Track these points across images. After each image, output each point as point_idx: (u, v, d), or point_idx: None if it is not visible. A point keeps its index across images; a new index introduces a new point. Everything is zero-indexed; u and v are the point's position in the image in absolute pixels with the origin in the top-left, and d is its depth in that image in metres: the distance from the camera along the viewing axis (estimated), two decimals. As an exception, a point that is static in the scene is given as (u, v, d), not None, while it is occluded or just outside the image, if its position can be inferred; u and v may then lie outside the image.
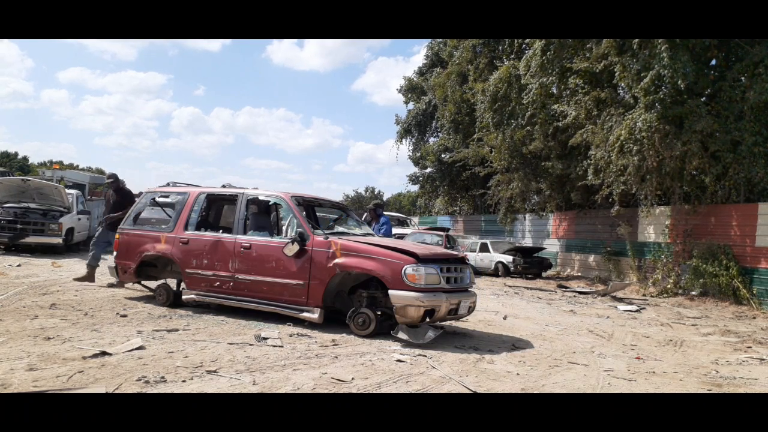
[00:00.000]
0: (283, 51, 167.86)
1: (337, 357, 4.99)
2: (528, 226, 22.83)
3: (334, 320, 6.40)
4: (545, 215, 21.22)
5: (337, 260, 6.16)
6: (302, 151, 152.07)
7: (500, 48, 21.09)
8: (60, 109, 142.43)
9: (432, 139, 30.38)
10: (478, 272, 17.82)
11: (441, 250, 7.75)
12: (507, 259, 18.30)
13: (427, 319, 5.91)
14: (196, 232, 7.20)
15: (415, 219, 31.05)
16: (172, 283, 7.67)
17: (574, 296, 13.26)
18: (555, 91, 16.85)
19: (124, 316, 6.39)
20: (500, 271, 18.36)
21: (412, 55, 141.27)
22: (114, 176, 9.53)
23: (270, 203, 7.20)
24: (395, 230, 14.90)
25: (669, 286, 13.81)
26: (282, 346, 5.28)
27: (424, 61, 31.92)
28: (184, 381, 3.96)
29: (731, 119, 12.29)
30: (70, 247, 14.27)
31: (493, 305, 10.02)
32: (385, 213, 10.99)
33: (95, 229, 9.96)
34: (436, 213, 32.04)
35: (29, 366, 4.05)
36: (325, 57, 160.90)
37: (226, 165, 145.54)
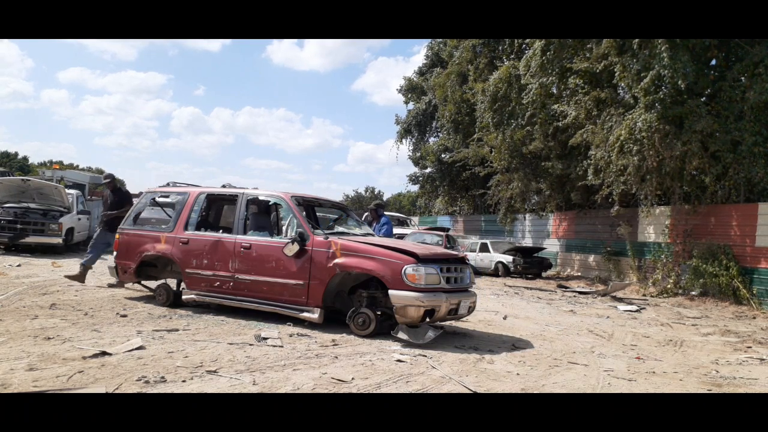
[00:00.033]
0: (283, 51, 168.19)
1: (337, 357, 4.99)
2: (528, 226, 22.83)
3: (334, 320, 6.40)
4: (545, 215, 21.21)
5: (337, 260, 6.16)
6: (302, 151, 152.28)
7: (500, 48, 21.10)
8: (60, 109, 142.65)
9: (432, 139, 30.39)
10: (478, 272, 17.82)
11: (441, 250, 7.75)
12: (507, 259, 18.30)
13: (427, 319, 5.91)
14: (196, 232, 7.20)
15: (415, 219, 31.04)
16: (172, 283, 7.67)
17: (574, 296, 13.26)
18: (555, 91, 16.85)
19: (124, 316, 6.39)
20: (500, 271, 18.36)
21: (412, 55, 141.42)
22: (110, 176, 9.54)
23: (270, 203, 7.20)
24: (395, 230, 14.90)
25: (669, 286, 13.81)
26: (282, 346, 5.28)
27: (424, 61, 31.93)
28: (184, 381, 3.96)
29: (731, 119, 12.29)
30: (70, 247, 14.28)
31: (493, 305, 10.02)
32: (385, 213, 10.99)
33: (95, 229, 9.97)
34: (436, 213, 32.03)
35: (29, 366, 4.06)
36: (325, 57, 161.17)
37: (226, 165, 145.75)
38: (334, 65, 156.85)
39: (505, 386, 4.43)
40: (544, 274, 18.72)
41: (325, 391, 3.93)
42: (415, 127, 30.08)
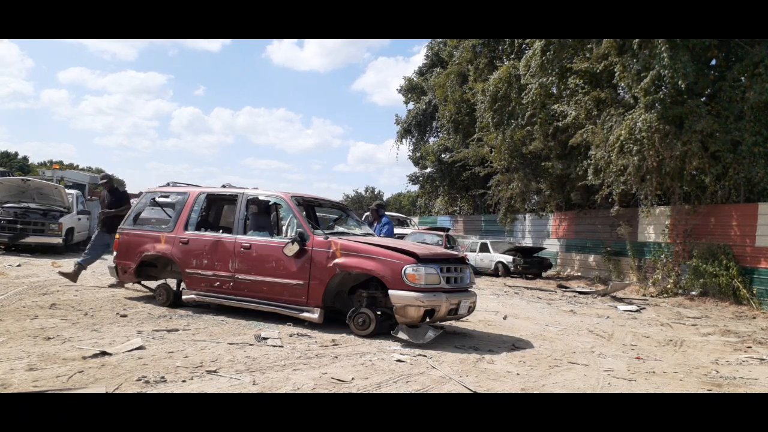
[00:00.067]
0: (283, 51, 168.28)
1: (337, 357, 4.99)
2: (528, 226, 22.83)
3: (334, 320, 6.40)
4: (545, 215, 21.21)
5: (337, 260, 6.16)
6: (302, 151, 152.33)
7: (500, 48, 21.09)
8: (60, 109, 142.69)
9: (432, 139, 30.39)
10: (478, 272, 17.82)
11: (441, 250, 7.75)
12: (507, 259, 18.29)
13: (427, 319, 5.91)
14: (196, 232, 7.20)
15: (415, 219, 31.04)
16: (172, 283, 7.67)
17: (574, 296, 13.26)
18: (555, 91, 16.84)
19: (124, 316, 6.39)
20: (500, 271, 18.36)
21: (412, 55, 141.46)
22: (107, 177, 9.54)
23: (270, 203, 7.20)
24: (395, 230, 14.89)
25: (669, 286, 13.80)
26: (282, 346, 5.28)
27: (424, 61, 31.93)
28: (184, 381, 3.96)
29: (731, 119, 12.29)
30: (70, 247, 14.27)
31: (493, 305, 10.02)
32: (386, 213, 10.99)
33: (95, 229, 9.97)
34: (436, 213, 32.03)
35: (29, 366, 4.06)
36: (325, 57, 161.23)
37: (226, 165, 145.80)
38: (334, 65, 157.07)
39: (505, 386, 4.43)
40: (544, 274, 18.72)
41: (325, 391, 3.93)
42: (415, 127, 30.09)
